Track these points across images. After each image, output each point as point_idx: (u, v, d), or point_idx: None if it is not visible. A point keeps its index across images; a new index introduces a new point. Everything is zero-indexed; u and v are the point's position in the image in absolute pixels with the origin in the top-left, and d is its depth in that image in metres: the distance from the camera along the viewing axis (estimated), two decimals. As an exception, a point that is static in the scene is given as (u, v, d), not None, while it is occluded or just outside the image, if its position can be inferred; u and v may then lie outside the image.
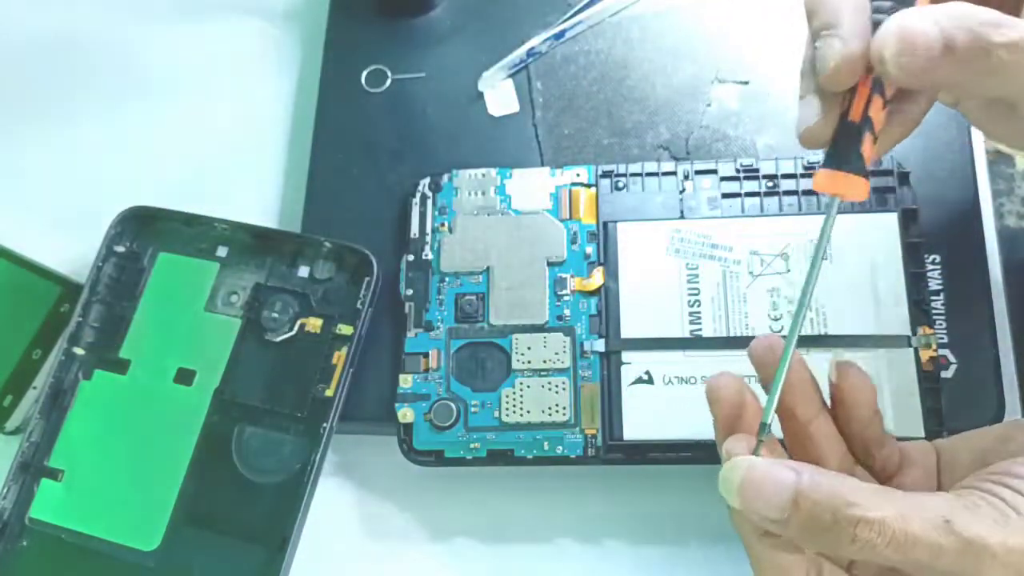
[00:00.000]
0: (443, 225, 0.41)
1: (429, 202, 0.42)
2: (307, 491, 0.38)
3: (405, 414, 0.39)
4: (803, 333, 0.37)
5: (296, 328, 0.41)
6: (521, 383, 0.38)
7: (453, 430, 0.38)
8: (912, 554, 0.25)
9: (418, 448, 0.38)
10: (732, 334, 0.38)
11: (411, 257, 0.41)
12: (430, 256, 0.41)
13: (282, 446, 0.39)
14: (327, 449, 0.39)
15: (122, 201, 0.43)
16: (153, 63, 0.49)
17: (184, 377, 0.41)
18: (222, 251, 0.42)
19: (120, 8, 0.50)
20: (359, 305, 0.40)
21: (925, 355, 0.37)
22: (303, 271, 0.42)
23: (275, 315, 0.41)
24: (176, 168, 0.47)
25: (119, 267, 0.43)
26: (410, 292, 0.40)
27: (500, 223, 0.41)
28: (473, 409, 0.38)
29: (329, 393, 0.39)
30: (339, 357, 0.40)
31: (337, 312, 0.41)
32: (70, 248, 0.45)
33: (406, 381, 0.39)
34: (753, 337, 0.34)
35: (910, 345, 0.37)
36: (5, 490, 0.40)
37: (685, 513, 0.39)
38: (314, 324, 0.41)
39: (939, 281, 0.38)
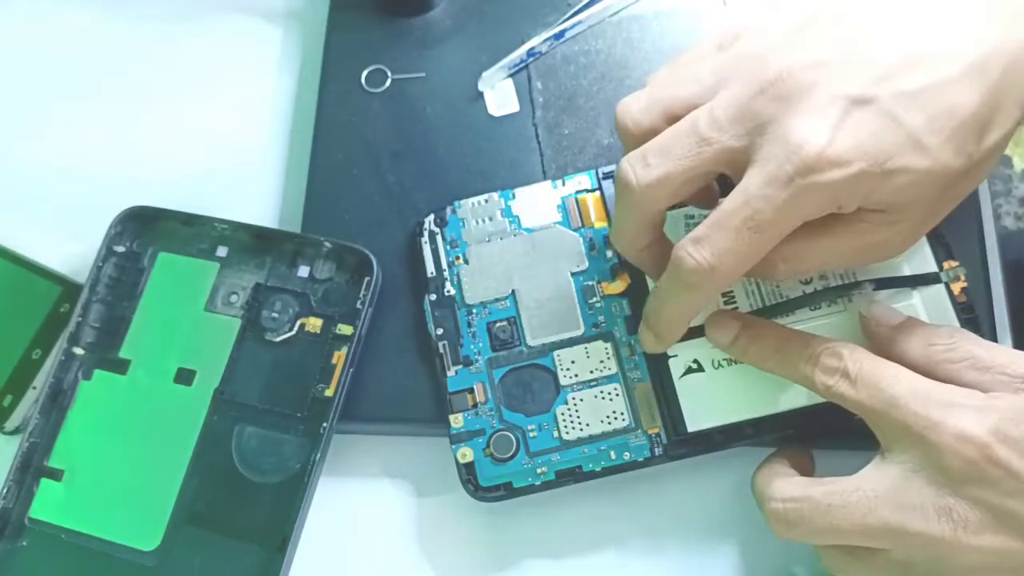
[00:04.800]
0: (458, 258, 0.41)
1: (438, 238, 0.41)
2: (307, 491, 0.38)
3: (464, 454, 0.38)
4: (833, 284, 0.38)
5: (296, 328, 0.41)
6: (573, 398, 0.38)
7: (516, 459, 0.38)
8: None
9: (485, 485, 0.38)
10: (768, 303, 0.38)
11: (433, 296, 0.40)
12: (452, 291, 0.40)
13: (282, 446, 0.39)
14: (327, 449, 0.39)
15: (122, 201, 0.43)
16: (153, 63, 0.49)
17: (184, 377, 0.41)
18: (222, 251, 0.42)
19: (120, 8, 0.50)
20: (359, 305, 0.40)
21: (956, 288, 0.37)
22: (303, 271, 0.42)
23: (275, 315, 0.41)
24: (176, 168, 0.47)
25: (119, 267, 0.43)
26: (440, 331, 0.40)
27: (515, 244, 0.41)
28: (531, 434, 0.38)
29: (329, 393, 0.39)
30: (339, 357, 0.40)
31: (337, 312, 0.41)
32: (70, 248, 0.45)
33: (457, 420, 0.38)
34: (785, 300, 0.38)
35: (940, 280, 0.37)
36: (5, 490, 0.40)
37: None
38: (314, 324, 0.41)
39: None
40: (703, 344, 0.37)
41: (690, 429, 0.37)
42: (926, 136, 0.30)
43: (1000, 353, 0.33)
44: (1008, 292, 0.40)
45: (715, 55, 0.34)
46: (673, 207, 0.36)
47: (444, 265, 0.41)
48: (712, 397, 0.37)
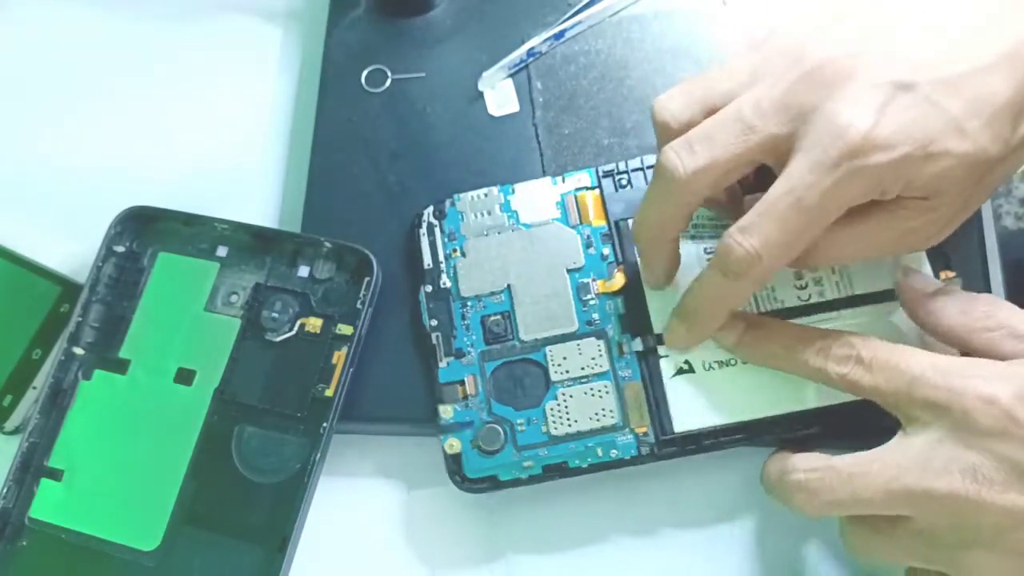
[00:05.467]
0: (455, 251, 0.41)
1: (436, 230, 0.41)
2: (307, 491, 0.38)
3: (452, 444, 0.38)
4: (830, 297, 0.38)
5: (296, 328, 0.41)
6: (563, 394, 0.38)
7: (504, 452, 0.38)
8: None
9: (471, 476, 0.38)
10: (762, 309, 0.38)
11: (429, 288, 0.40)
12: (448, 283, 0.40)
13: (282, 446, 0.39)
14: (327, 449, 0.39)
15: (122, 201, 0.43)
16: (153, 63, 0.49)
17: (184, 377, 0.41)
18: (222, 251, 0.42)
19: (120, 8, 0.50)
20: (359, 305, 0.40)
21: None
22: (303, 271, 0.42)
23: (275, 315, 0.41)
24: (176, 168, 0.47)
25: (119, 267, 0.43)
26: (435, 322, 0.40)
27: (512, 239, 0.41)
28: (520, 428, 0.38)
29: (329, 393, 0.39)
30: (339, 357, 0.40)
31: (337, 312, 0.41)
32: (70, 248, 0.45)
33: (447, 412, 0.39)
34: (782, 308, 0.38)
35: None
36: (5, 490, 0.40)
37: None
38: (314, 324, 0.41)
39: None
40: (698, 346, 0.37)
41: (677, 430, 0.37)
42: (966, 120, 0.31)
43: None
44: (1008, 292, 0.40)
45: (749, 53, 0.34)
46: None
47: (441, 257, 0.41)
48: (701, 399, 0.37)
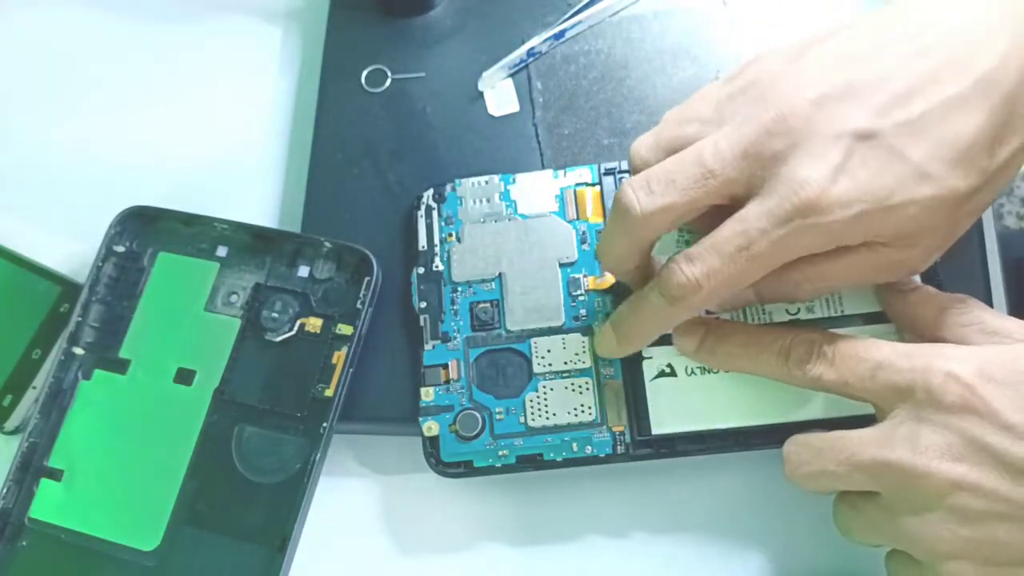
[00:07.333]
0: (451, 235, 0.41)
1: (434, 213, 0.41)
2: (307, 491, 0.38)
3: (430, 427, 0.38)
4: (821, 315, 0.38)
5: (296, 328, 0.41)
6: (544, 386, 0.38)
7: (480, 439, 0.38)
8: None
9: (446, 460, 0.38)
10: (749, 321, 0.38)
11: (422, 270, 0.41)
12: (441, 267, 0.40)
13: (282, 446, 0.39)
14: (327, 449, 0.39)
15: (122, 201, 0.43)
16: (153, 63, 0.50)
17: (184, 377, 0.41)
18: (222, 251, 0.42)
19: (120, 8, 0.50)
20: (359, 305, 0.40)
21: None
22: (303, 271, 0.42)
23: (275, 315, 0.41)
24: (176, 168, 0.47)
25: (119, 267, 0.43)
26: (424, 305, 0.40)
27: (508, 229, 0.41)
28: (498, 416, 0.38)
29: (329, 393, 0.39)
30: (339, 357, 0.40)
31: (337, 312, 0.41)
32: (70, 248, 0.45)
33: (428, 394, 0.39)
34: (772, 322, 0.38)
35: None
36: (5, 490, 0.40)
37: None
38: (314, 324, 0.41)
39: (939, 281, 0.38)
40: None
41: (654, 431, 0.37)
42: (930, 165, 0.30)
43: (1010, 321, 0.34)
44: (1008, 292, 0.40)
45: (717, 91, 0.34)
46: None
47: (436, 240, 0.41)
48: (680, 403, 0.37)
